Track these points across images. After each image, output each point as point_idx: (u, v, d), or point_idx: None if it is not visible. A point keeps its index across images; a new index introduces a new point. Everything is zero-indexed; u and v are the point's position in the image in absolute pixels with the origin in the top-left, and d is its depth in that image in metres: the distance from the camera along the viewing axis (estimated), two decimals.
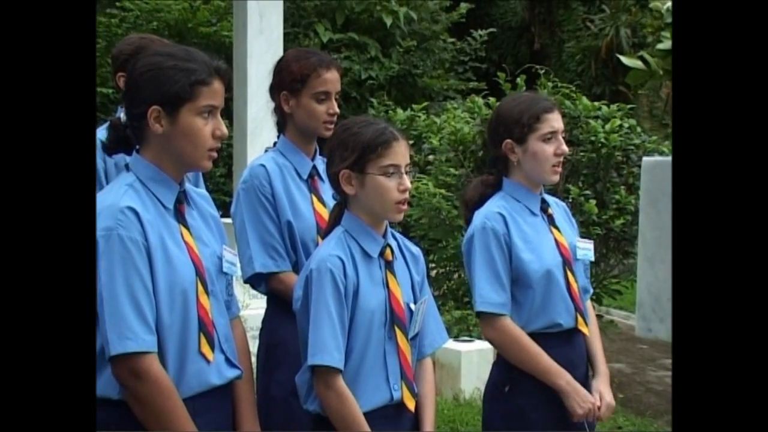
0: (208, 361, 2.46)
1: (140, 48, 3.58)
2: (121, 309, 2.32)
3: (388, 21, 10.99)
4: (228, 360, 2.53)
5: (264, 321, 3.30)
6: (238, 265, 2.66)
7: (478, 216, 3.06)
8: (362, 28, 11.07)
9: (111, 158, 3.24)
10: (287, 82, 3.20)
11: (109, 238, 2.34)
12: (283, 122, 3.29)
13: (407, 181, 2.63)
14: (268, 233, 3.14)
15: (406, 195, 2.64)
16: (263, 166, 3.19)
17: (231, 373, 2.54)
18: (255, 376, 3.32)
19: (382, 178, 2.62)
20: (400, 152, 2.64)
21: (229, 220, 7.57)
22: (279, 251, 3.13)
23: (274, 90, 3.27)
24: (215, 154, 2.49)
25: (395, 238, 2.80)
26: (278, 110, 3.28)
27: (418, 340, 2.75)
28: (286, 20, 7.69)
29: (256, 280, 3.19)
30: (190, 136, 2.44)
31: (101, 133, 3.65)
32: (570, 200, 6.82)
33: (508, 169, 3.11)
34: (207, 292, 2.48)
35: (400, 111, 9.40)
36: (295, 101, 3.21)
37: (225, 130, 2.48)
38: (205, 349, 2.46)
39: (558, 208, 3.24)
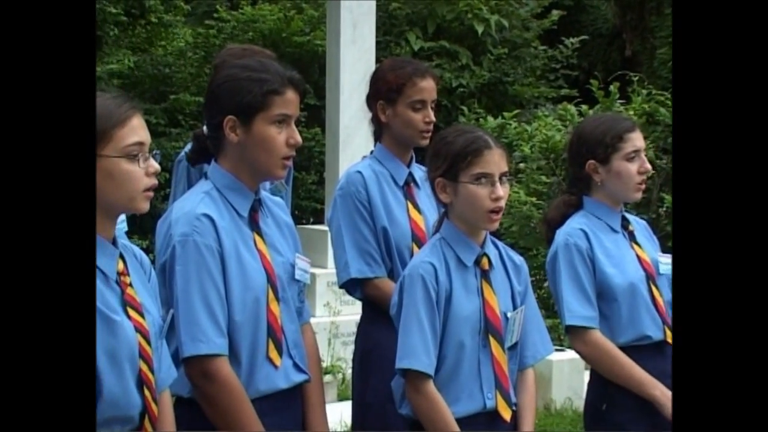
0: (275, 366, 2.52)
1: (242, 59, 3.66)
2: (195, 312, 2.40)
3: (480, 29, 10.97)
4: (296, 365, 2.59)
5: (359, 327, 3.34)
6: (310, 272, 2.71)
7: (560, 234, 3.08)
8: (453, 36, 11.07)
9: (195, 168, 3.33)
10: (383, 91, 3.25)
11: (185, 244, 2.43)
12: (379, 131, 3.33)
13: (500, 190, 2.63)
14: (364, 239, 3.19)
15: (500, 204, 2.63)
16: (360, 172, 3.25)
17: (298, 378, 2.60)
18: (351, 381, 3.37)
19: (473, 186, 2.63)
20: (493, 161, 2.64)
21: (320, 227, 7.68)
22: (374, 257, 3.18)
23: (371, 99, 3.32)
24: (289, 163, 2.55)
25: (497, 247, 2.80)
26: (375, 119, 3.32)
27: (518, 350, 2.75)
28: (377, 29, 7.75)
29: (351, 286, 3.24)
30: (264, 144, 2.50)
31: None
32: (664, 209, 6.72)
33: (589, 188, 3.12)
34: (278, 299, 2.55)
35: (490, 119, 9.38)
36: (391, 110, 3.25)
37: (299, 139, 2.54)
38: (273, 354, 2.53)
39: (638, 225, 3.25)
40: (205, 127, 2.63)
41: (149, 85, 9.65)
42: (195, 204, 2.50)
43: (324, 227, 7.29)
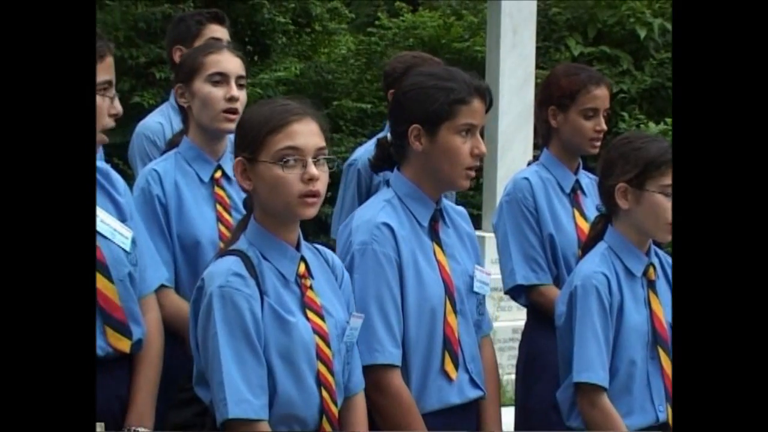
0: (450, 380, 2.50)
1: (412, 67, 3.72)
2: (371, 321, 2.40)
3: (642, 33, 10.72)
4: (472, 380, 2.55)
5: (524, 333, 3.35)
6: (490, 284, 2.69)
7: None
8: (614, 40, 10.86)
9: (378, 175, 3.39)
10: (556, 97, 3.22)
11: (364, 252, 2.44)
12: (547, 136, 3.31)
13: None
14: (530, 246, 3.18)
15: None
16: (527, 179, 3.24)
17: (473, 394, 2.56)
18: (507, 386, 3.37)
19: (661, 197, 2.56)
20: None
21: (477, 233, 7.65)
22: (540, 264, 3.17)
23: (542, 104, 3.30)
24: (473, 173, 2.51)
25: (658, 256, 2.75)
26: (544, 124, 3.31)
27: None
28: (537, 34, 7.70)
29: (516, 292, 3.24)
30: (449, 154, 2.48)
31: (367, 149, 3.84)
32: None
33: None
34: (455, 311, 2.52)
35: (652, 124, 9.17)
36: (562, 116, 3.22)
37: (483, 149, 2.50)
38: (449, 367, 2.50)
39: None
40: (388, 134, 2.64)
41: (313, 92, 9.89)
42: (375, 212, 2.50)
43: (481, 233, 7.28)
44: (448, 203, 2.69)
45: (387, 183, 2.61)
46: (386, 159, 2.63)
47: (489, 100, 2.54)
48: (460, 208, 2.77)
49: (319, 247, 2.42)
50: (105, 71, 2.33)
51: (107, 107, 2.35)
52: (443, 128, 2.47)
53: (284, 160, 2.19)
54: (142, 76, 8.40)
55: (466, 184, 2.54)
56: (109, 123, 2.37)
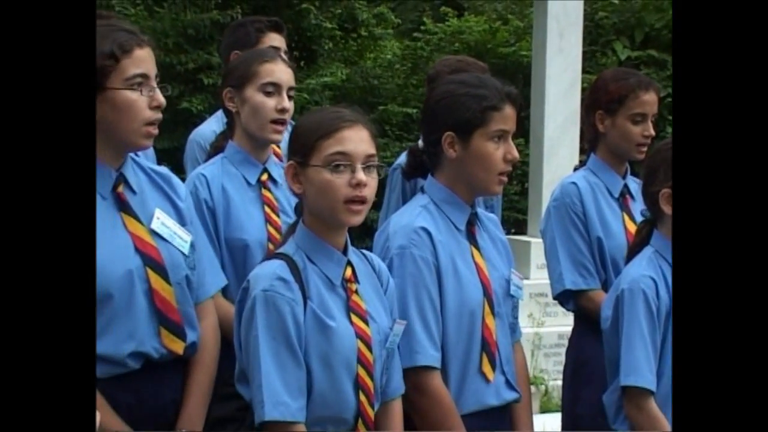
0: (487, 381, 2.53)
1: (456, 71, 3.73)
2: (411, 324, 2.44)
3: None
4: (508, 382, 2.59)
5: (571, 339, 3.34)
6: (524, 289, 2.71)
7: None
8: (662, 44, 10.76)
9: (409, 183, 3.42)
10: (604, 101, 3.22)
11: (402, 257, 2.48)
12: (594, 141, 3.31)
13: None
14: (579, 251, 3.18)
15: None
16: (574, 183, 3.24)
17: (509, 396, 2.59)
18: (553, 392, 3.37)
19: None
20: None
21: (522, 237, 7.62)
22: (589, 269, 3.17)
23: (590, 109, 3.29)
24: (506, 178, 2.56)
25: None
26: (591, 128, 3.30)
27: None
28: (583, 38, 7.66)
29: (564, 297, 3.23)
30: (482, 160, 2.53)
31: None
32: None
33: None
34: (493, 313, 2.56)
35: None
36: (610, 121, 3.22)
37: (516, 154, 2.55)
38: (486, 368, 2.53)
39: None
40: (420, 142, 2.69)
41: (358, 97, 9.93)
42: (413, 217, 2.55)
43: (526, 238, 7.26)
44: (480, 210, 2.72)
45: (422, 189, 2.65)
46: (418, 166, 2.69)
47: (519, 105, 2.59)
48: (491, 215, 2.81)
49: (367, 253, 2.46)
50: (135, 65, 2.29)
51: (146, 100, 2.31)
52: (476, 135, 2.52)
53: (334, 164, 2.25)
54: (191, 81, 8.50)
55: (499, 189, 2.59)
56: (153, 116, 2.32)
